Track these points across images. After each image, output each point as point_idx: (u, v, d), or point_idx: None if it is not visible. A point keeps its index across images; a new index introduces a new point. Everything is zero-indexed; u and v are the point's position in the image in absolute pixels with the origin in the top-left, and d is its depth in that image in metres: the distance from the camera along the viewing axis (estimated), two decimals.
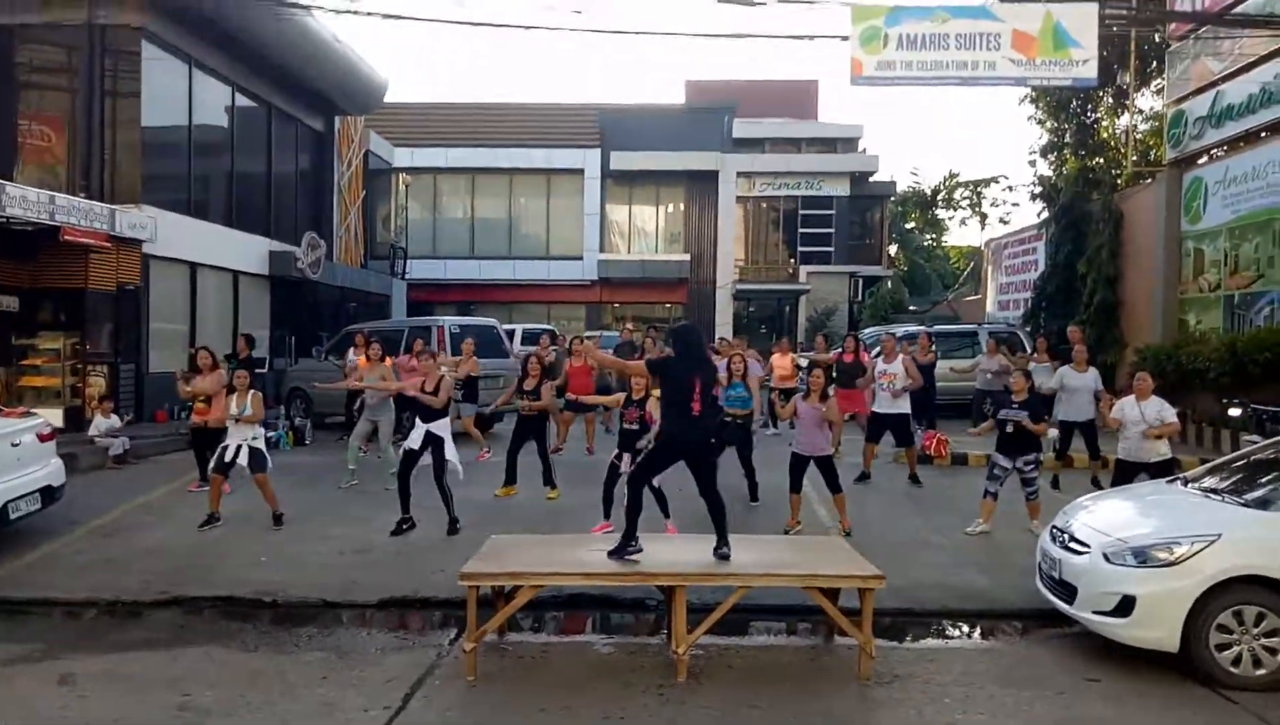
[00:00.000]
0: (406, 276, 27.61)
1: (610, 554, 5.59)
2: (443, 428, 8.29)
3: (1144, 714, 4.80)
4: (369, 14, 12.58)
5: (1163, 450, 7.95)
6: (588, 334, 21.99)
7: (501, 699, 5.05)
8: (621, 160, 29.95)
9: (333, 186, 22.28)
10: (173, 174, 16.26)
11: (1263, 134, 13.64)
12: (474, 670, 5.24)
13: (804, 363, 14.52)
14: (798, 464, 8.33)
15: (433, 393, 8.28)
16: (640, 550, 5.60)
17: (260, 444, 8.61)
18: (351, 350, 12.98)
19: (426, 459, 8.26)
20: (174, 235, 15.11)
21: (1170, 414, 8.07)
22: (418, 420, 8.35)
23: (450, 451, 8.32)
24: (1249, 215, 13.69)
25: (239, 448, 8.47)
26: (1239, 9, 13.65)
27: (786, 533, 8.16)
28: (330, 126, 22.06)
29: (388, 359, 11.01)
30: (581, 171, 30.69)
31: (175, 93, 16.03)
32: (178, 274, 15.92)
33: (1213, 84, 14.50)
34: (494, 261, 30.50)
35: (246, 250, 17.99)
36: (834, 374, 11.69)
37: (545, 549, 6.03)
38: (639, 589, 6.30)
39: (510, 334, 18.34)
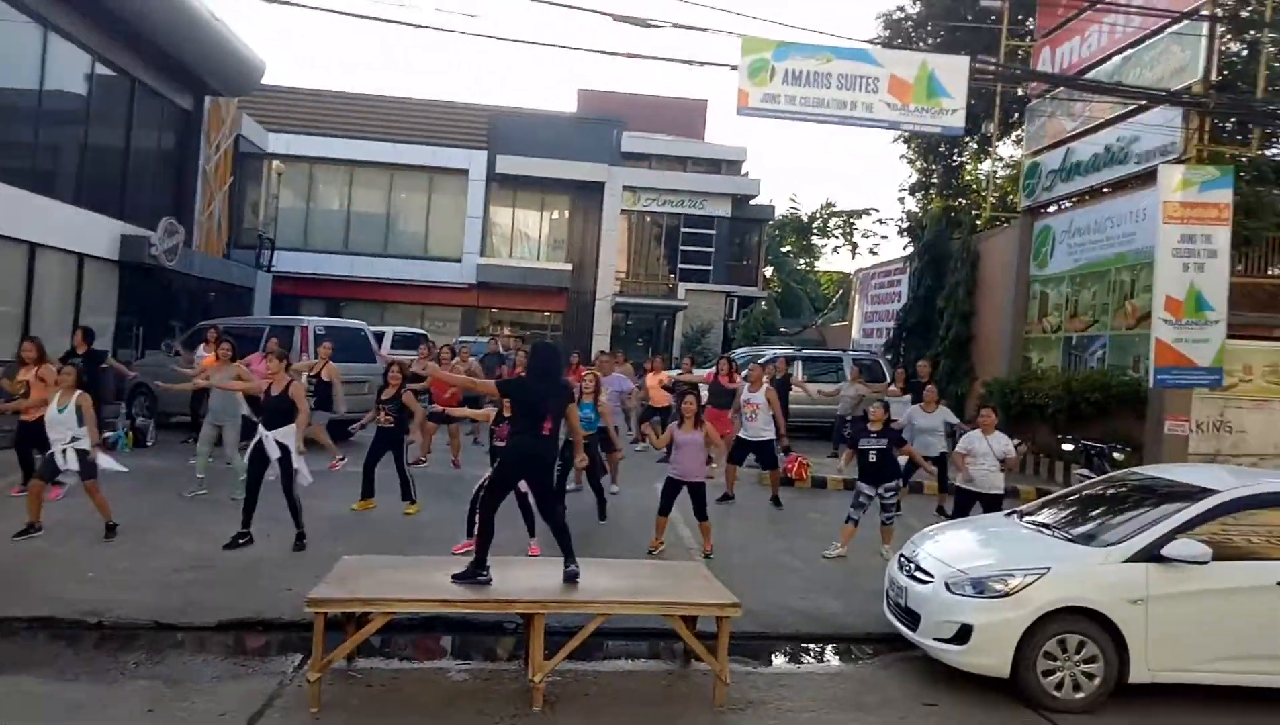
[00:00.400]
0: (272, 269, 26.37)
1: (455, 578, 5.46)
2: (287, 435, 7.90)
3: None
4: None
5: (999, 483, 8.49)
6: (461, 340, 21.61)
7: None
8: (508, 164, 29.63)
9: (197, 169, 21.05)
10: (15, 142, 14.97)
11: (1105, 190, 14.78)
12: (318, 701, 4.99)
13: (669, 383, 14.76)
14: (670, 488, 8.39)
15: (279, 396, 7.89)
16: (489, 579, 5.49)
17: (85, 445, 7.87)
18: (202, 346, 12.26)
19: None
20: (9, 209, 13.88)
21: (1011, 448, 8.63)
22: (260, 428, 7.95)
23: (297, 458, 7.96)
24: (1089, 265, 14.80)
25: (64, 452, 7.80)
26: (1091, 74, 14.76)
27: (650, 553, 8.22)
28: (199, 106, 20.85)
29: (243, 359, 10.38)
30: (466, 172, 30.16)
31: (25, 55, 14.78)
32: (13, 253, 14.63)
33: (1065, 141, 15.61)
34: (368, 258, 29.51)
35: (94, 232, 16.74)
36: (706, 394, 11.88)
37: (400, 572, 5.82)
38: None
39: (380, 337, 17.80)
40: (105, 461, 8.00)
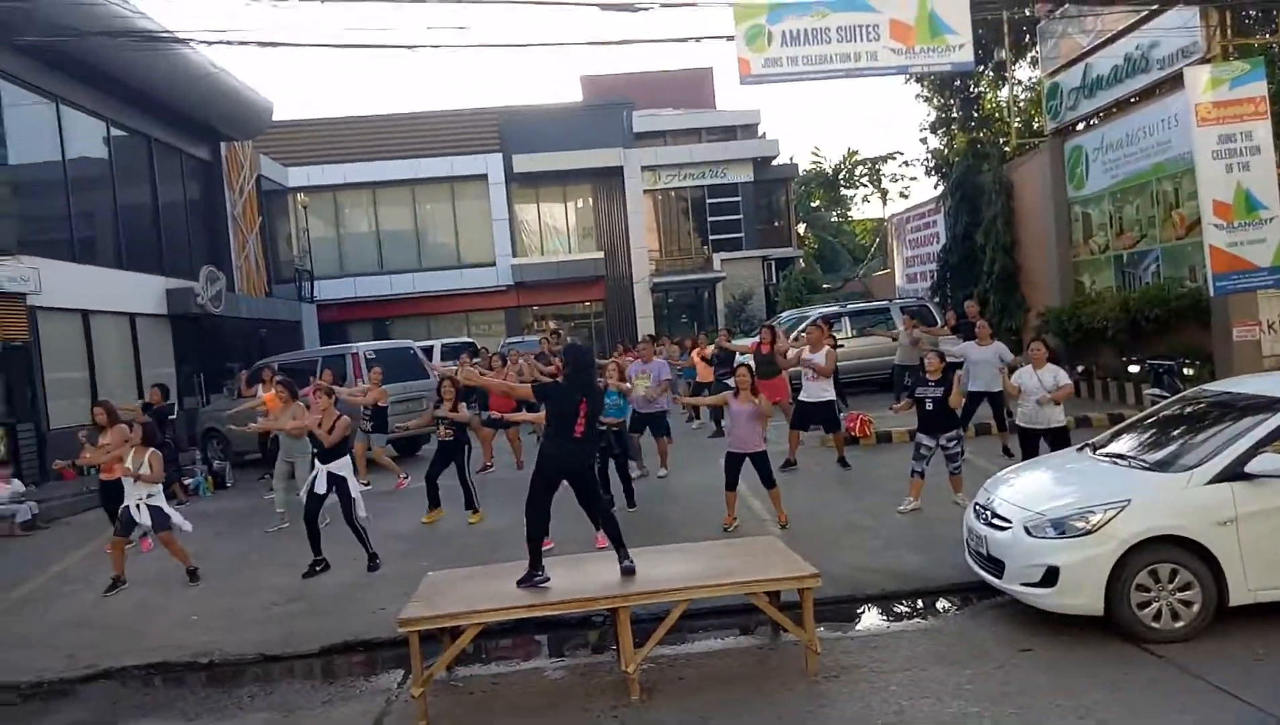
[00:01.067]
0: (315, 299, 26.89)
1: (519, 583, 5.57)
2: (343, 467, 8.15)
3: (1079, 678, 5.03)
4: (243, 43, 12.09)
5: (1058, 417, 8.37)
6: (509, 342, 21.82)
7: None
8: (524, 162, 29.75)
9: (226, 215, 21.51)
10: (50, 217, 15.46)
11: (1132, 100, 14.35)
12: (425, 714, 5.16)
13: (709, 356, 14.76)
14: (732, 462, 8.42)
15: (328, 431, 8.10)
16: (547, 579, 5.58)
17: (159, 501, 8.21)
18: (260, 385, 12.60)
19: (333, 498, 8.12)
20: (60, 283, 14.36)
21: (1064, 378, 8.46)
22: (316, 462, 8.19)
23: (354, 488, 8.21)
24: (1127, 179, 14.42)
25: (138, 506, 8.11)
26: None
27: (725, 530, 8.28)
28: (217, 154, 21.28)
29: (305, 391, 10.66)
30: (485, 176, 30.34)
31: (43, 132, 15.23)
32: (69, 323, 15.14)
33: (1082, 57, 15.18)
34: (405, 275, 29.93)
35: (141, 290, 17.24)
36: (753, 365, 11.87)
37: (483, 582, 5.95)
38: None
39: (429, 351, 18.06)
40: (176, 518, 8.31)
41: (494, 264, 30.25)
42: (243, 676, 6.24)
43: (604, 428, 8.87)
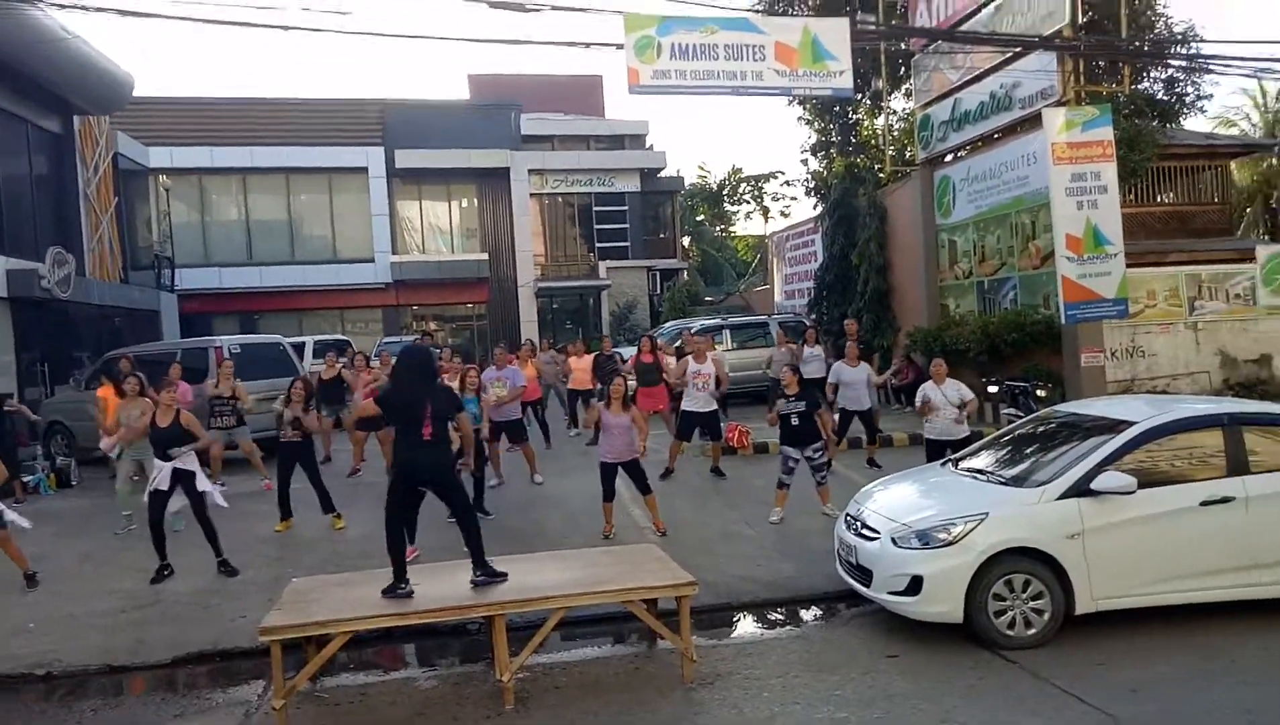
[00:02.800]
0: (176, 288, 25.33)
1: (383, 593, 5.41)
2: (188, 461, 7.72)
3: (940, 683, 5.27)
4: (100, 9, 11.07)
5: (964, 430, 8.82)
6: (386, 341, 21.18)
7: None
8: (407, 158, 28.98)
9: (78, 193, 19.98)
10: None
11: (996, 136, 15.28)
12: None
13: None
14: (607, 472, 8.44)
15: (167, 428, 7.66)
16: (410, 592, 5.42)
17: None
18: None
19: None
20: None
21: (968, 393, 8.93)
22: (155, 460, 7.73)
23: (203, 482, 7.80)
24: (989, 210, 15.32)
25: None
26: (968, 24, 15.17)
27: (605, 538, 8.28)
28: (69, 127, 19.73)
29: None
30: (365, 170, 29.35)
31: None
32: None
33: (951, 91, 16.05)
34: (277, 267, 28.53)
35: None
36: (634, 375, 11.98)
37: (351, 589, 5.72)
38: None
39: (300, 347, 17.32)
40: (11, 515, 7.67)
41: (373, 260, 29.29)
42: (86, 689, 5.79)
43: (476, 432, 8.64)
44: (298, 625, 5.15)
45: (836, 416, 10.82)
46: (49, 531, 9.23)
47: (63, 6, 10.74)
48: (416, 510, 7.21)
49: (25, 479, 11.76)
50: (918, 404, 9.13)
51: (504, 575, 5.57)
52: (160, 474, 7.62)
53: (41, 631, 6.60)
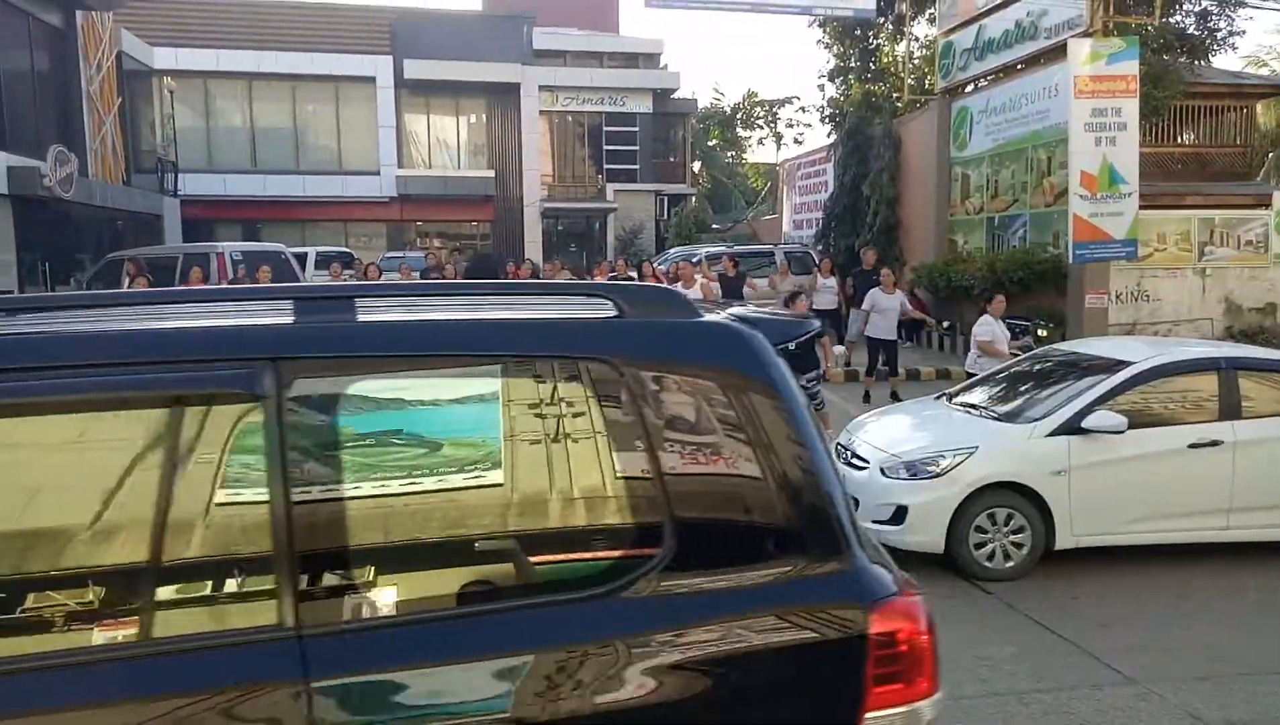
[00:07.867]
0: (180, 193, 25.08)
1: None
2: None
3: None
4: None
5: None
6: (389, 255, 21.08)
7: None
8: (416, 69, 28.29)
9: (81, 92, 19.62)
10: None
11: (1018, 67, 14.87)
12: None
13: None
14: None
15: None
16: None
17: None
18: (127, 281, 11.76)
19: None
20: None
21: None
22: None
23: None
24: (1006, 144, 15.01)
25: None
26: None
27: None
28: (71, 23, 19.25)
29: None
30: (373, 80, 28.75)
31: None
32: None
33: (977, 18, 15.57)
34: (281, 176, 28.18)
35: None
36: None
37: None
38: None
39: (302, 259, 17.25)
40: None
41: (378, 173, 28.90)
42: None
43: None
44: None
45: (863, 343, 11.56)
46: None
47: None
48: None
49: None
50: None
51: None
52: None
53: None
